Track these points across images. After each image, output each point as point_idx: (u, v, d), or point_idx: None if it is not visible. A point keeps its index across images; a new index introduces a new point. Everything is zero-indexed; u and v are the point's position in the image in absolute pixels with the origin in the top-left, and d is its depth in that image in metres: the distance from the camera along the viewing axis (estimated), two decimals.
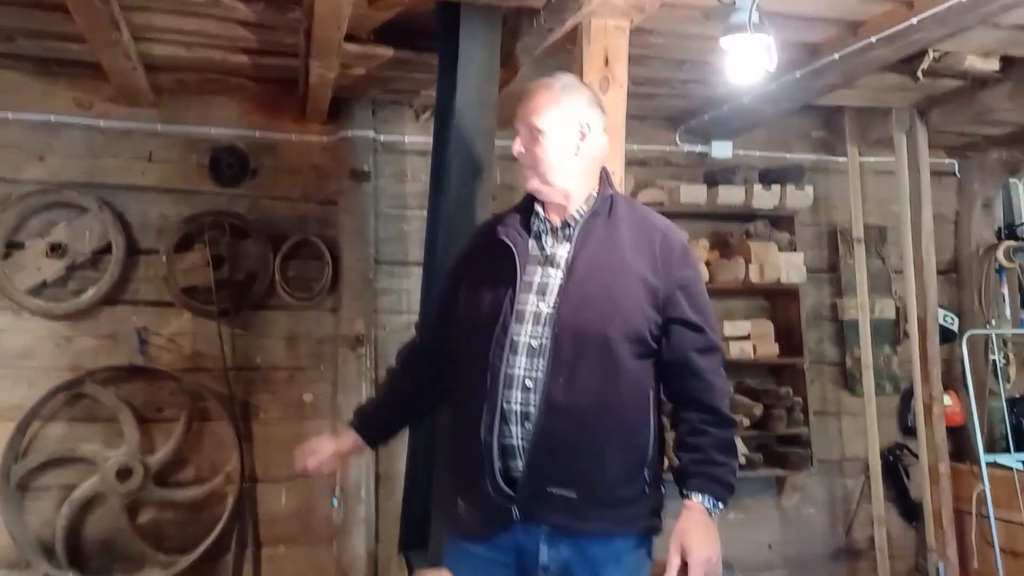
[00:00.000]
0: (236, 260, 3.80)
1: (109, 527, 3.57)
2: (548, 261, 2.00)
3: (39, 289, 3.60)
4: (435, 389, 2.19)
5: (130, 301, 3.71)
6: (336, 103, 3.85)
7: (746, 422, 4.16)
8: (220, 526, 3.63)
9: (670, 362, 1.98)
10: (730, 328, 4.21)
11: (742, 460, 4.12)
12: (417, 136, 4.07)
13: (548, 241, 2.03)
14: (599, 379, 1.90)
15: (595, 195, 2.04)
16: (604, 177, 2.09)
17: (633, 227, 2.02)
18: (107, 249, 3.66)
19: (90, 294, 3.63)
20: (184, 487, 3.70)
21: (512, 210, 2.13)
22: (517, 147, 2.04)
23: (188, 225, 3.75)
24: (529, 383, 1.91)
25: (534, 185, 2.03)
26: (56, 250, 3.60)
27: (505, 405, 1.91)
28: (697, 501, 1.90)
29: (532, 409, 1.89)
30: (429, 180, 3.43)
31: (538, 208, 2.06)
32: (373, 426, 2.24)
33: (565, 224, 2.02)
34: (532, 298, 1.96)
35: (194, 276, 3.73)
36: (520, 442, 1.91)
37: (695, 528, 1.88)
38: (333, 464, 2.21)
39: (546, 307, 1.94)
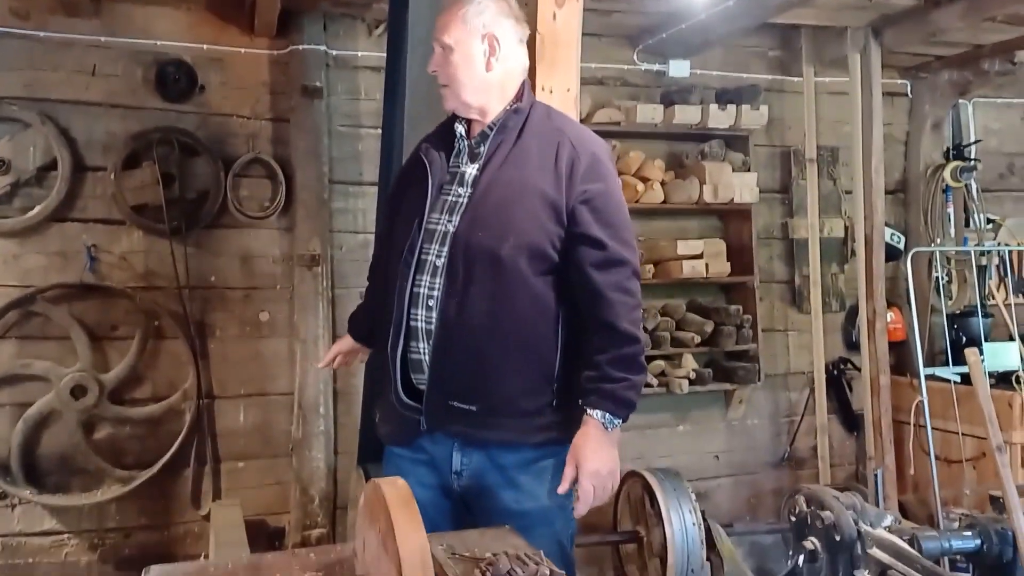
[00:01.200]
0: (186, 178, 3.73)
1: (65, 444, 3.59)
2: (458, 180, 2.01)
3: None
4: None
5: (79, 219, 3.65)
6: (286, 16, 3.75)
7: (697, 339, 4.26)
8: (178, 442, 3.67)
9: (570, 278, 1.97)
10: (683, 247, 4.26)
11: (691, 375, 4.23)
12: (370, 51, 3.99)
13: (463, 159, 2.03)
14: (492, 297, 1.92)
15: (509, 109, 2.02)
16: (521, 90, 2.06)
17: (543, 140, 1.99)
18: (52, 166, 3.57)
19: (37, 211, 3.55)
20: (141, 404, 3.71)
21: (439, 127, 2.13)
22: (431, 66, 2.02)
23: (136, 142, 3.67)
24: (431, 301, 1.95)
25: (451, 104, 2.03)
26: (0, 166, 3.51)
27: (412, 322, 1.97)
28: (594, 416, 1.93)
29: (433, 326, 1.94)
30: (383, 98, 3.38)
31: (458, 126, 2.06)
32: (361, 328, 2.39)
33: (477, 141, 2.03)
34: (442, 217, 1.98)
35: (144, 194, 3.66)
36: (425, 357, 1.96)
37: (588, 442, 1.92)
38: (339, 361, 2.45)
39: (451, 226, 1.96)
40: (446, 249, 1.95)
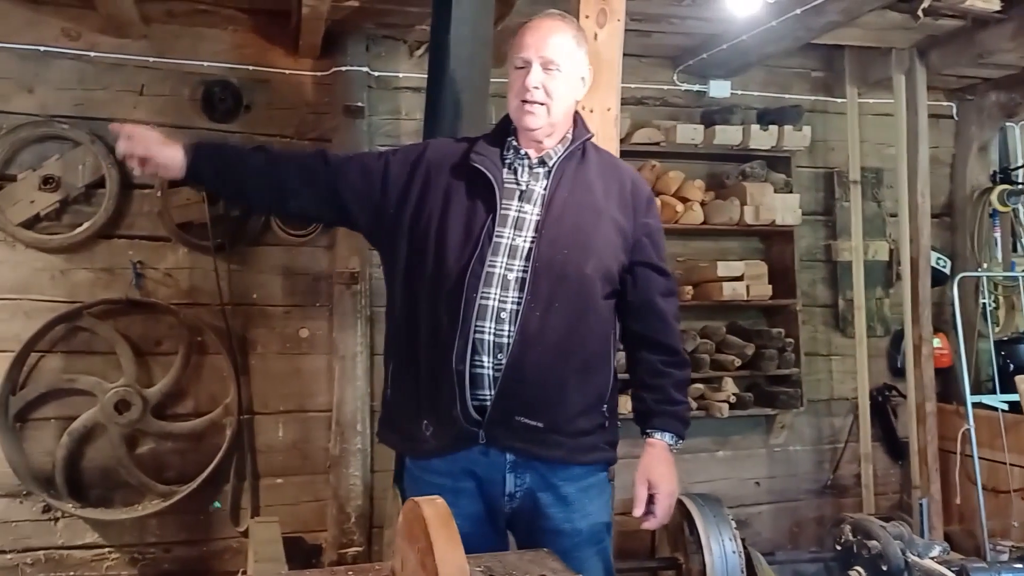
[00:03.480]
0: None
1: (108, 458, 3.63)
2: (523, 196, 2.02)
3: (32, 222, 3.58)
4: (278, 190, 2.07)
5: (125, 236, 3.72)
6: (329, 37, 3.80)
7: (737, 362, 4.20)
8: (219, 457, 3.69)
9: (635, 304, 2.10)
10: (724, 269, 4.21)
11: (732, 399, 4.18)
12: (412, 72, 4.03)
13: (524, 176, 2.05)
14: (572, 314, 1.97)
15: (569, 136, 2.08)
16: (578, 120, 2.13)
17: (604, 171, 2.10)
18: (100, 183, 3.64)
19: (85, 227, 3.63)
20: (182, 419, 3.75)
21: (482, 139, 2.11)
22: (536, 79, 1.99)
23: None
24: (504, 314, 1.94)
25: (539, 121, 2.01)
26: (49, 183, 3.58)
27: (477, 335, 1.94)
28: (660, 438, 2.06)
29: (506, 339, 1.94)
30: (424, 118, 3.40)
31: (513, 141, 2.07)
32: (211, 164, 2.11)
33: (542, 161, 2.05)
34: (508, 231, 1.98)
35: (189, 211, 3.72)
36: (490, 371, 1.94)
37: (660, 463, 2.04)
38: (148, 165, 2.06)
39: (522, 241, 1.97)
40: (521, 263, 1.96)
